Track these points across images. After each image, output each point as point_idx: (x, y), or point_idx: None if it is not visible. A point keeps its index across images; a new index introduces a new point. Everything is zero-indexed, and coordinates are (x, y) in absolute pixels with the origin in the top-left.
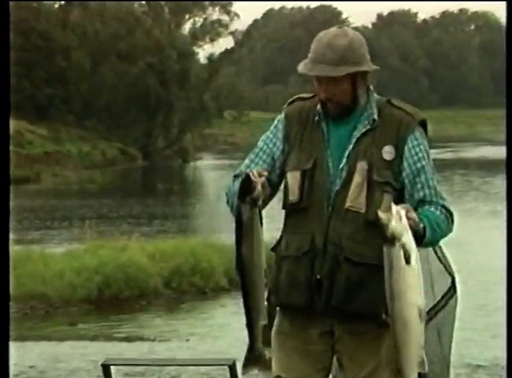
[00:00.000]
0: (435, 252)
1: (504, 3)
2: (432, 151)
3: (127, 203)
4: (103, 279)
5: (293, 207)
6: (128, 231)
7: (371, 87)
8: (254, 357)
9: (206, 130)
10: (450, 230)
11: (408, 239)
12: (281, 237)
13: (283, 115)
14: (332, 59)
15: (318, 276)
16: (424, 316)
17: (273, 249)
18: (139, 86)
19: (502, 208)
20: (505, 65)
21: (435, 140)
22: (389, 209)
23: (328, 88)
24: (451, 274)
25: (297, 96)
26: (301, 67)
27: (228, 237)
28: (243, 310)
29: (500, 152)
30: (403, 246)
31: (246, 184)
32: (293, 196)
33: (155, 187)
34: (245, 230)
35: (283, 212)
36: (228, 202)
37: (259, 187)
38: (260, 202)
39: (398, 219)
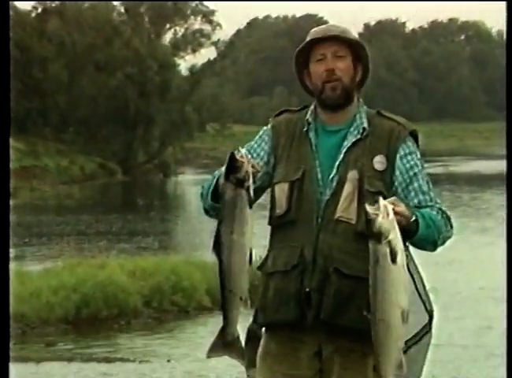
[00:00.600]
0: (416, 286)
1: (504, 3)
2: None
3: (106, 219)
4: (81, 298)
5: (280, 220)
6: (107, 248)
7: (360, 99)
8: (224, 342)
9: (188, 143)
10: (448, 232)
11: (395, 236)
12: (267, 254)
13: (269, 126)
14: (338, 30)
15: (307, 289)
16: (407, 318)
17: (260, 267)
18: (118, 98)
19: (498, 224)
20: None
21: (424, 154)
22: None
23: (334, 61)
24: (430, 312)
25: (284, 108)
26: (304, 43)
27: (209, 254)
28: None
29: (492, 166)
30: (389, 244)
31: (231, 163)
32: (280, 208)
33: (135, 202)
34: (226, 209)
35: (269, 229)
36: (202, 201)
37: (246, 167)
38: (248, 184)
39: (385, 215)
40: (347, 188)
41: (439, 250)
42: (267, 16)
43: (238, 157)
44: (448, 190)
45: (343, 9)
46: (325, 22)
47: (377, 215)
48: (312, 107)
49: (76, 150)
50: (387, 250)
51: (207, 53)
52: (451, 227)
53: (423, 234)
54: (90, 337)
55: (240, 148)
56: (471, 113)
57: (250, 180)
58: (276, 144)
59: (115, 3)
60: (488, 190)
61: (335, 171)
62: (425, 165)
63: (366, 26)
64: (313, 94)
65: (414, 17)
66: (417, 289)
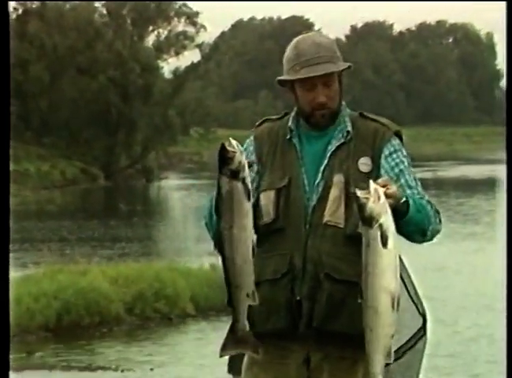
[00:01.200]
0: (408, 290)
1: (504, 3)
2: None
3: (87, 225)
4: (62, 305)
5: (267, 228)
6: (88, 255)
7: (343, 102)
8: (235, 339)
9: (171, 148)
10: (437, 225)
11: (386, 220)
12: (253, 265)
13: (252, 138)
14: (328, 56)
15: (298, 298)
16: (397, 304)
17: None
18: (100, 101)
19: (486, 230)
20: (485, 80)
21: (412, 159)
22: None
23: (324, 90)
24: (423, 314)
25: (264, 118)
26: (293, 73)
27: (194, 260)
28: (209, 336)
29: (481, 171)
30: (381, 228)
31: (222, 154)
32: (267, 217)
33: (117, 207)
34: (224, 204)
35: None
36: (206, 225)
37: (238, 157)
38: (243, 175)
39: (376, 198)
40: (334, 192)
41: (427, 255)
42: (252, 18)
43: (229, 147)
44: (436, 195)
45: (330, 10)
46: (311, 24)
47: (368, 199)
48: (293, 114)
49: (57, 155)
50: (378, 234)
51: (191, 56)
52: (440, 221)
53: (413, 218)
54: (72, 345)
55: (231, 139)
56: (459, 117)
57: (246, 171)
58: (259, 153)
59: (97, 4)
60: (477, 195)
61: (320, 176)
62: (413, 170)
63: (353, 28)
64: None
65: (402, 19)
66: (408, 293)
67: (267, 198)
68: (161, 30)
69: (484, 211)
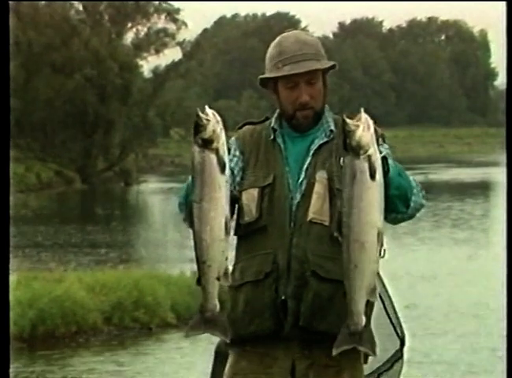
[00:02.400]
0: (387, 312)
1: (504, 3)
2: None
3: (63, 230)
4: (37, 315)
5: (250, 228)
6: (64, 261)
7: (326, 105)
8: (203, 319)
9: (151, 150)
10: (421, 199)
11: (374, 152)
12: (234, 267)
13: (233, 138)
14: (312, 53)
15: (283, 297)
16: (382, 241)
17: None
18: (77, 101)
19: (479, 235)
20: (478, 79)
21: (402, 161)
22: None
23: (307, 89)
24: (401, 337)
25: (245, 121)
26: (276, 70)
27: (175, 267)
28: (190, 347)
29: (473, 174)
30: (369, 159)
31: (196, 123)
32: (249, 216)
33: (95, 212)
34: (196, 175)
35: (235, 241)
36: (179, 206)
37: (213, 126)
38: (216, 145)
39: (366, 127)
40: (317, 189)
41: (418, 262)
42: (235, 15)
43: (202, 115)
44: (427, 199)
45: (316, 6)
46: (297, 21)
47: (357, 126)
48: (276, 115)
49: (31, 157)
50: (366, 166)
51: (171, 54)
52: (423, 197)
53: (394, 179)
54: (47, 356)
55: (207, 107)
56: (451, 118)
57: (220, 141)
58: (243, 152)
59: (73, 1)
60: (470, 199)
61: (303, 174)
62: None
63: (341, 25)
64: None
65: (392, 16)
66: (387, 314)
67: (249, 197)
68: (140, 27)
69: (477, 216)
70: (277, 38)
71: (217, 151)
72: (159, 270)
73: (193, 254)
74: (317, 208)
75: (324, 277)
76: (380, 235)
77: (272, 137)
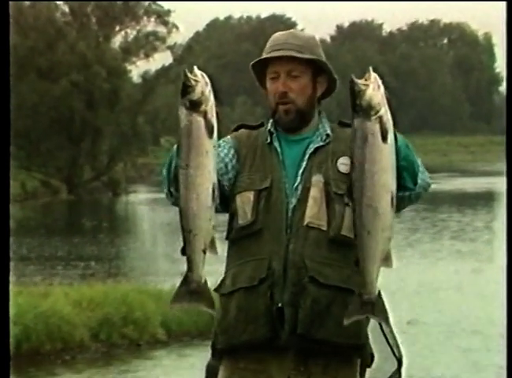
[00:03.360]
0: (383, 331)
1: (504, 3)
2: None
3: (49, 242)
4: (21, 331)
5: (244, 231)
6: (50, 275)
7: (322, 112)
8: (188, 291)
9: (140, 159)
10: (427, 178)
11: (386, 112)
12: (225, 274)
13: (229, 137)
14: (296, 45)
15: (280, 304)
16: (395, 205)
17: (216, 289)
18: (63, 107)
19: (484, 248)
20: (482, 85)
21: None
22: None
23: (286, 81)
24: (398, 358)
25: (240, 123)
26: (258, 59)
27: (165, 281)
28: (181, 364)
29: (477, 184)
30: (380, 120)
31: (184, 84)
32: (244, 219)
33: (81, 223)
34: (182, 140)
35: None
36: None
37: (201, 87)
38: (205, 108)
39: (376, 87)
40: (314, 193)
41: (420, 275)
42: (229, 17)
43: (190, 75)
44: (429, 210)
45: (313, 8)
46: (293, 24)
47: (367, 86)
48: (271, 120)
49: (16, 166)
50: (378, 127)
51: (162, 59)
52: (428, 175)
53: (402, 149)
54: (32, 374)
55: (196, 67)
56: (455, 125)
57: (209, 104)
58: (239, 152)
59: (58, 2)
60: (473, 209)
61: (299, 178)
62: None
63: (339, 28)
64: None
65: (392, 19)
66: (384, 334)
67: (245, 200)
68: (128, 30)
69: (481, 227)
70: (274, 35)
71: (205, 114)
72: (149, 284)
73: (185, 268)
74: (314, 212)
75: (322, 283)
76: (393, 200)
77: (268, 140)
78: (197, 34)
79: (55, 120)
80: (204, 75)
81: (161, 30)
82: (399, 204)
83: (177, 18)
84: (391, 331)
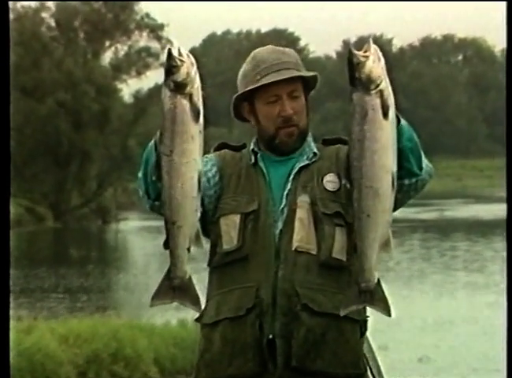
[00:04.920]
0: (372, 372)
1: (504, 3)
2: (409, 210)
3: (34, 273)
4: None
5: (228, 258)
6: (35, 309)
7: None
8: (171, 287)
9: (132, 184)
10: (431, 169)
11: (387, 86)
12: (207, 303)
13: (212, 154)
14: (292, 62)
15: (270, 336)
16: (395, 186)
17: (198, 319)
18: (49, 129)
19: (500, 280)
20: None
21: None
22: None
23: (290, 103)
24: None
25: (222, 142)
26: (253, 84)
27: (158, 316)
28: None
29: (494, 211)
30: (381, 94)
31: (168, 64)
32: (229, 244)
33: (69, 253)
34: (165, 124)
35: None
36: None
37: (187, 68)
38: (190, 90)
39: (376, 59)
40: (300, 214)
41: (432, 308)
42: (227, 32)
43: (175, 54)
44: (442, 239)
45: (318, 22)
46: (296, 39)
47: (367, 58)
48: (254, 140)
49: None
50: (379, 102)
51: (155, 76)
52: (431, 168)
53: (405, 128)
54: None
55: (181, 47)
56: (469, 148)
57: (195, 86)
58: (222, 169)
59: (44, 15)
60: (489, 238)
61: (284, 201)
62: (415, 210)
63: (345, 43)
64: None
65: (403, 33)
66: (371, 372)
67: (230, 223)
68: (119, 45)
69: (499, 258)
70: (250, 55)
71: (190, 97)
72: (141, 319)
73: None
74: (302, 235)
75: (316, 311)
76: (394, 181)
77: (253, 161)
78: (192, 50)
79: (40, 143)
80: (190, 55)
81: (154, 45)
82: (404, 194)
83: (171, 33)
84: (379, 369)
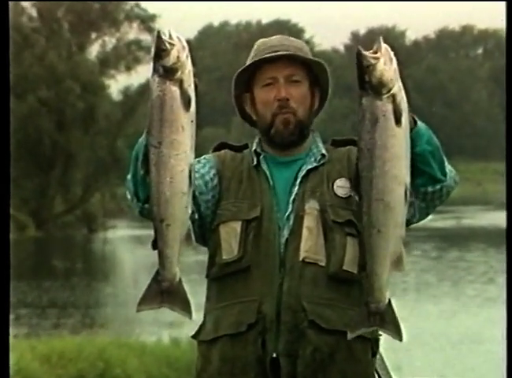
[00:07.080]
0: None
1: (504, 3)
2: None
3: (14, 287)
4: None
5: (228, 269)
6: (15, 326)
7: (316, 131)
8: (159, 291)
9: (120, 189)
10: (454, 174)
11: (399, 90)
12: (205, 317)
13: (211, 155)
14: (294, 47)
15: (274, 355)
16: (409, 199)
17: (195, 335)
18: (30, 129)
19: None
20: None
21: None
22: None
23: (287, 87)
24: None
25: (222, 142)
26: (249, 63)
27: (149, 333)
28: None
29: None
30: (393, 99)
31: (157, 47)
32: (229, 254)
33: (52, 265)
34: (153, 113)
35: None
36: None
37: (177, 52)
38: (180, 76)
39: (388, 60)
40: (308, 223)
41: (460, 324)
42: (224, 24)
43: (165, 37)
44: (460, 249)
45: (324, 12)
46: (300, 30)
47: (377, 59)
48: (257, 140)
49: None
50: (391, 108)
51: (145, 72)
52: (456, 174)
53: (423, 131)
54: None
55: (172, 29)
56: (490, 149)
57: (186, 71)
58: (221, 172)
59: (24, 4)
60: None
61: (290, 207)
62: (432, 217)
63: (354, 35)
64: (255, 124)
65: (417, 25)
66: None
67: (230, 231)
68: (107, 38)
69: None
70: (258, 41)
71: (180, 83)
72: (130, 336)
73: (172, 317)
74: (310, 245)
75: (324, 328)
76: (406, 194)
77: (255, 162)
78: (187, 42)
79: (21, 144)
80: (181, 38)
81: (145, 38)
82: (429, 203)
83: (164, 24)
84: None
